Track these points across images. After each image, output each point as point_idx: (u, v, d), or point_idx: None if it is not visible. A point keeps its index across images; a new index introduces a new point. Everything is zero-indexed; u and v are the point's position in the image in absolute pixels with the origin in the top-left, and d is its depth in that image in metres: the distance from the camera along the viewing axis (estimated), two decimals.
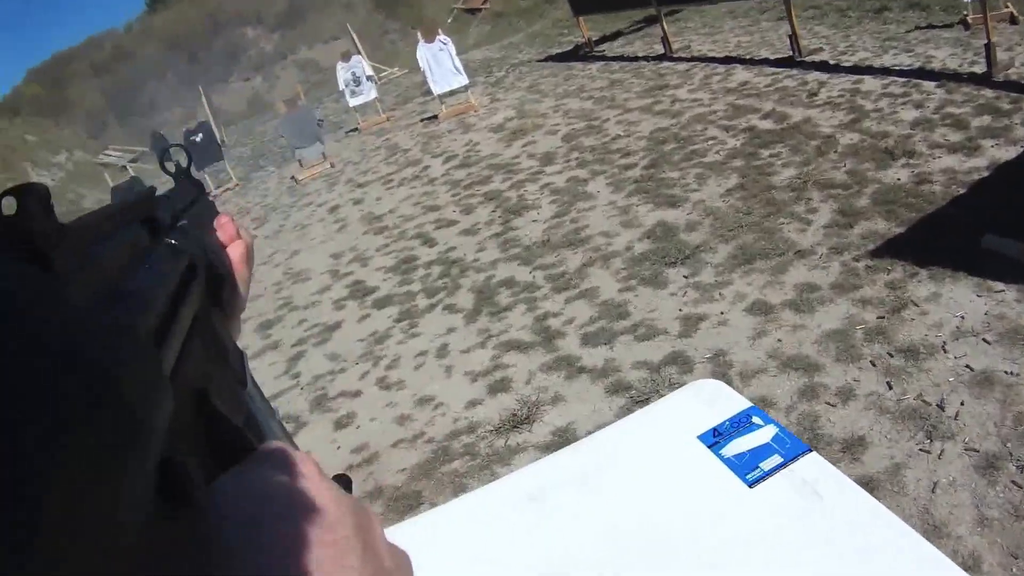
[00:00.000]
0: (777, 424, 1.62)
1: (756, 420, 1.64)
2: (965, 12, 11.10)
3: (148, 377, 0.39)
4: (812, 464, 1.52)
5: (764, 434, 1.59)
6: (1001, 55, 8.69)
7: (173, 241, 0.68)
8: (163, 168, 0.94)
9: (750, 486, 1.49)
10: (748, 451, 1.56)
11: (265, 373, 7.37)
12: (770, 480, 1.49)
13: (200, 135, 18.59)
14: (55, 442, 0.27)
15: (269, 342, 8.09)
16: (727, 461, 1.56)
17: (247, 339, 8.32)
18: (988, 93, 8.14)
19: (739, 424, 1.64)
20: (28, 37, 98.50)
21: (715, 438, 1.63)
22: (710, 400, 1.77)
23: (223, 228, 0.92)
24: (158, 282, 0.56)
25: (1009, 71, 8.55)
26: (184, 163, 0.96)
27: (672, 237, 7.01)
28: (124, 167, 29.07)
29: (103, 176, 26.69)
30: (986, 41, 8.62)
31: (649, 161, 9.20)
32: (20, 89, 39.85)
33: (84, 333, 0.34)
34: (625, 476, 1.64)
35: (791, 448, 1.55)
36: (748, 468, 1.52)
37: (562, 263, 7.31)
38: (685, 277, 6.26)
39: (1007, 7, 10.36)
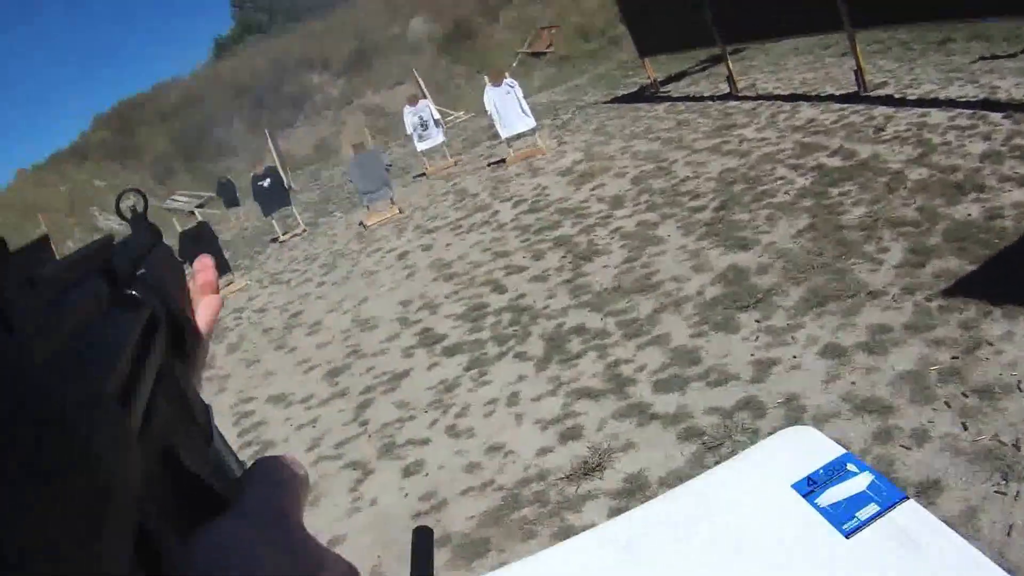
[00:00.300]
0: (872, 471, 1.61)
1: (851, 467, 1.63)
2: None
3: (118, 439, 0.39)
4: (910, 512, 1.51)
5: (860, 482, 1.58)
6: None
7: (134, 292, 0.66)
8: (119, 213, 0.88)
9: (847, 536, 1.49)
10: (844, 500, 1.55)
11: (332, 420, 7.45)
12: (867, 530, 1.48)
13: (268, 180, 18.92)
14: (30, 511, 0.28)
15: (337, 390, 8.16)
16: (823, 511, 1.55)
17: (315, 387, 8.43)
18: None
19: (834, 472, 1.63)
20: (95, 84, 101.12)
21: (810, 487, 1.62)
22: (803, 447, 1.76)
23: (204, 271, 0.87)
24: (121, 337, 0.54)
25: None
26: (140, 207, 0.91)
27: (743, 281, 6.99)
28: (191, 212, 29.59)
29: (171, 221, 27.21)
30: None
31: (719, 203, 9.20)
32: (88, 135, 40.86)
33: (52, 397, 0.34)
34: (719, 526, 1.64)
35: (888, 495, 1.54)
36: (845, 518, 1.52)
37: (633, 309, 7.30)
38: (757, 321, 6.23)
39: None
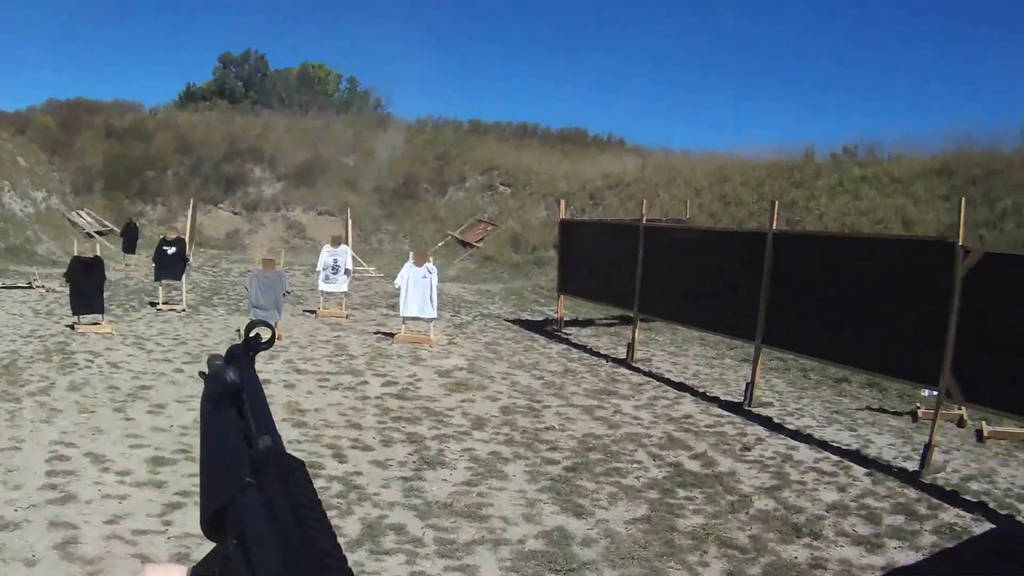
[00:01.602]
0: None
1: None
2: (918, 404, 11.88)
3: None
4: None
5: None
6: (937, 456, 9.39)
7: None
8: None
9: None
10: None
11: (139, 507, 7.07)
12: None
13: (174, 248, 19.35)
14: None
15: (156, 479, 7.79)
16: None
17: (136, 465, 8.09)
18: (911, 493, 8.73)
19: None
20: (63, 69, 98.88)
21: None
22: None
23: None
24: None
25: (938, 475, 9.21)
26: None
27: (565, 546, 7.24)
28: (90, 235, 29.65)
29: (70, 234, 27.17)
30: (928, 440, 9.31)
31: (572, 464, 9.47)
32: (35, 111, 41.12)
33: None
34: None
35: None
36: None
37: (455, 531, 7.48)
38: None
39: (960, 409, 11.12)
